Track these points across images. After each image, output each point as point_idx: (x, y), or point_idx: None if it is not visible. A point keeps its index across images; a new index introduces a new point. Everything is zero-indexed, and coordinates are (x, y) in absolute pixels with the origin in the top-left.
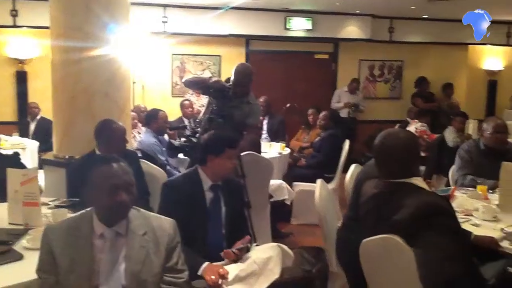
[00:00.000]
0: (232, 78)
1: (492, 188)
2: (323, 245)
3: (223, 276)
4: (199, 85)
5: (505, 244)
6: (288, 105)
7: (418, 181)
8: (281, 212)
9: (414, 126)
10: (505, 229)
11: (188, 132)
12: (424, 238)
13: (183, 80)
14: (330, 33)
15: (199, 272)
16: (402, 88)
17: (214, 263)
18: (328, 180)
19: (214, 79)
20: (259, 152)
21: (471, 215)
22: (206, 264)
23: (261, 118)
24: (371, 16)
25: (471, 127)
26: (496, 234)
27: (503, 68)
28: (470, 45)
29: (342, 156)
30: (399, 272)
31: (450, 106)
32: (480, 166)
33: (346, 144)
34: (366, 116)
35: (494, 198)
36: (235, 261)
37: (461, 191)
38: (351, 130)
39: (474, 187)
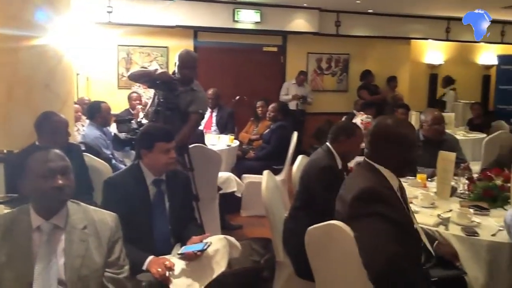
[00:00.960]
0: (176, 64)
1: (431, 177)
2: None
3: (170, 268)
4: (144, 78)
5: (441, 229)
6: (237, 97)
7: (384, 172)
8: (231, 204)
9: (359, 118)
10: (441, 215)
11: (134, 125)
12: (363, 224)
13: (128, 73)
14: (278, 25)
15: (144, 267)
16: (348, 81)
17: (160, 257)
18: (276, 172)
19: (160, 71)
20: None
21: (411, 203)
22: (150, 257)
23: (209, 110)
24: (319, 9)
25: (413, 118)
26: (433, 220)
27: (443, 62)
28: (412, 40)
29: (290, 148)
30: (344, 258)
31: (394, 98)
32: (419, 156)
33: (294, 136)
34: (314, 108)
35: (433, 186)
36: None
37: (403, 180)
38: (300, 122)
39: (415, 176)
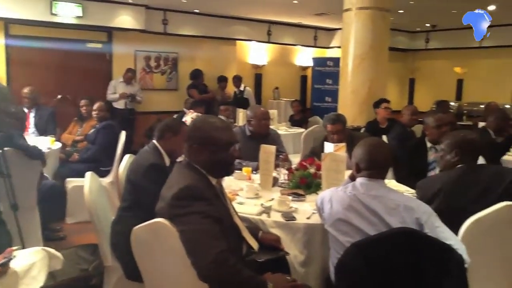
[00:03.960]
0: None
1: (256, 169)
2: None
3: None
4: None
5: (263, 217)
6: (59, 96)
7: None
8: (55, 211)
9: (190, 116)
10: (264, 204)
11: None
12: (185, 223)
13: None
14: (102, 21)
15: None
16: (178, 80)
17: None
18: (105, 174)
19: None
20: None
21: (237, 195)
22: None
23: (26, 110)
24: (145, 6)
25: (240, 115)
26: (256, 209)
27: (266, 63)
28: (237, 41)
29: (118, 148)
30: (171, 256)
31: (223, 97)
32: (246, 150)
33: (123, 135)
34: (145, 107)
35: (257, 177)
36: None
37: None
38: (129, 121)
39: (241, 169)
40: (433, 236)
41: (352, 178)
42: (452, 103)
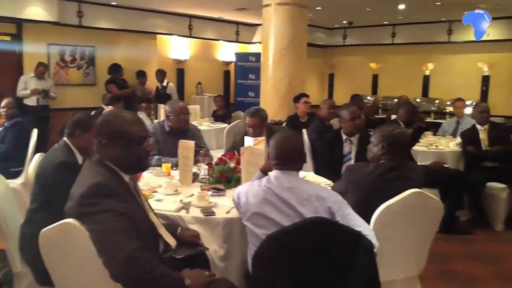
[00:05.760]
0: None
1: (176, 165)
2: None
3: None
4: None
5: (182, 213)
6: None
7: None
8: None
9: None
10: (183, 200)
11: None
12: (96, 222)
13: None
14: (10, 12)
15: None
16: (96, 75)
17: None
18: (16, 175)
19: None
20: None
21: (156, 192)
22: None
23: None
24: None
25: (162, 111)
26: (175, 206)
27: (188, 58)
28: (158, 35)
29: (30, 147)
30: (82, 258)
31: (143, 92)
32: (166, 146)
33: (34, 133)
34: (60, 103)
35: (177, 173)
36: None
37: (149, 171)
38: (43, 119)
39: (160, 165)
40: (344, 223)
41: (263, 170)
42: (368, 97)
